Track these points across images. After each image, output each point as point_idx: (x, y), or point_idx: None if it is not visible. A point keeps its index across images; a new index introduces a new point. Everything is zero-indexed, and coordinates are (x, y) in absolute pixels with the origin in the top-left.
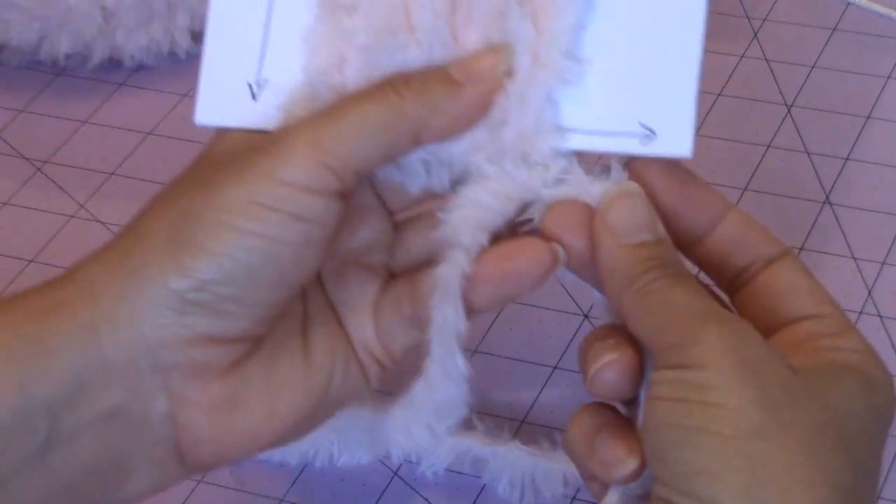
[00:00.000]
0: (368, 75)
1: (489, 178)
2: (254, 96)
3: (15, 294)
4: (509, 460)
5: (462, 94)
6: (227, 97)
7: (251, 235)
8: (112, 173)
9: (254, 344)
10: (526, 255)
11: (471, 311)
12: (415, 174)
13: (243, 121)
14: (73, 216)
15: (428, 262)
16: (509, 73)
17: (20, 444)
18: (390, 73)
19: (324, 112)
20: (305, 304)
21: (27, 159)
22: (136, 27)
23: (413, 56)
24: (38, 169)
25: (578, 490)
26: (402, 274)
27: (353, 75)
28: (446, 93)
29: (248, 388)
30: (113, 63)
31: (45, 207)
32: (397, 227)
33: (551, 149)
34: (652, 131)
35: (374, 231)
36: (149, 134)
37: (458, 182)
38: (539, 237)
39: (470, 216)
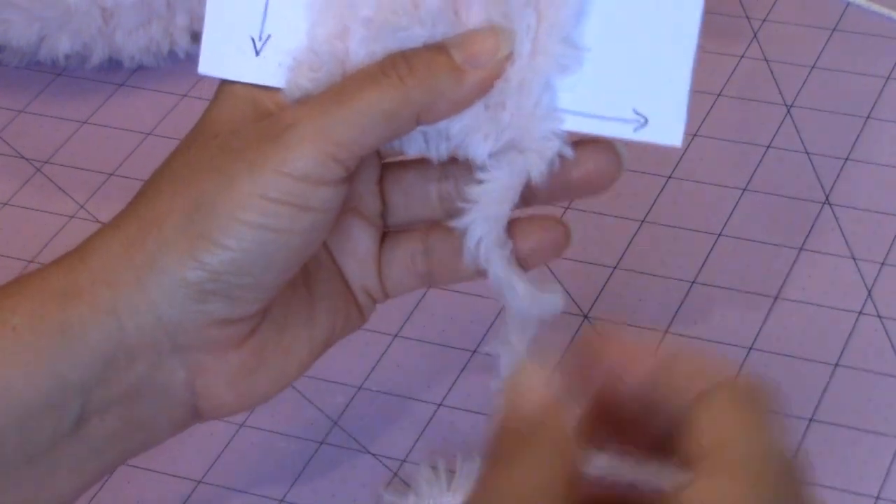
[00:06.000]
0: (371, 47)
1: (489, 174)
2: (256, 51)
3: (23, 276)
4: None
5: (465, 79)
6: (230, 50)
7: (263, 229)
8: (112, 174)
9: (265, 314)
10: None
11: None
12: (414, 142)
13: (245, 75)
14: (72, 216)
15: (427, 220)
16: (510, 58)
17: (54, 422)
18: (393, 46)
19: (329, 96)
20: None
21: (27, 159)
22: (136, 27)
23: (416, 34)
24: (38, 169)
25: None
26: (401, 229)
27: (356, 45)
28: (450, 79)
29: (262, 353)
30: (112, 63)
31: (45, 208)
32: (385, 173)
33: (546, 131)
34: (645, 119)
35: (365, 179)
36: (149, 134)
37: (454, 152)
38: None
39: (487, 206)
